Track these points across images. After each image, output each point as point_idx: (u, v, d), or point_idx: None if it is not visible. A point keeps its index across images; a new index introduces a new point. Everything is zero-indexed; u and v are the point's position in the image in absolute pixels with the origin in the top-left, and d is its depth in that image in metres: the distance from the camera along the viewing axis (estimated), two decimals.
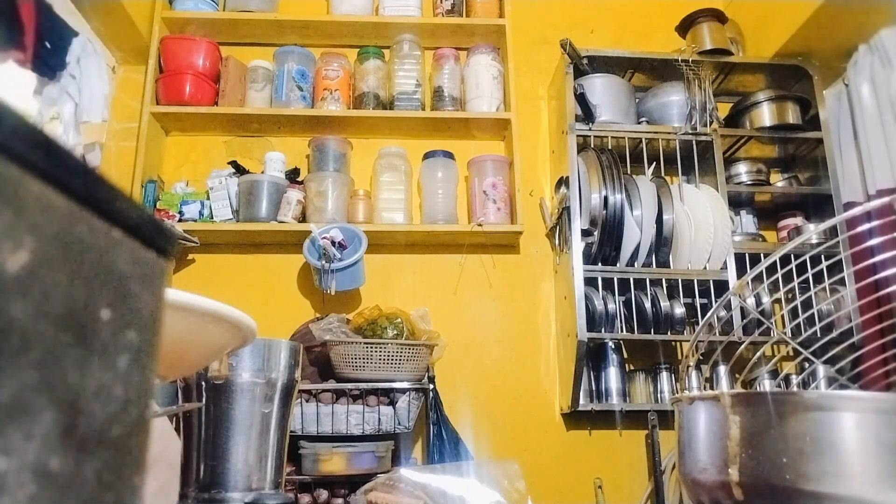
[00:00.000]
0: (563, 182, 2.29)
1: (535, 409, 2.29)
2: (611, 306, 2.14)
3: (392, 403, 1.93)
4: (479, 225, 2.25)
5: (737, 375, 2.19)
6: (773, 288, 2.21)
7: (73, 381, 0.14)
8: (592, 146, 2.27)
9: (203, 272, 2.36)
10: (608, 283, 2.17)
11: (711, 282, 2.18)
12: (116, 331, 0.16)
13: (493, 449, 2.19)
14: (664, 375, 2.25)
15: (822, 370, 1.86)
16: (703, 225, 2.19)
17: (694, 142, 2.30)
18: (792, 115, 2.36)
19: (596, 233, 2.16)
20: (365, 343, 1.92)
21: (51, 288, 0.14)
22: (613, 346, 2.25)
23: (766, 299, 2.21)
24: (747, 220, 2.44)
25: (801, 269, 1.86)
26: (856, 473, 0.33)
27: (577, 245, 2.15)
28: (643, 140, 2.32)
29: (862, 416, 0.34)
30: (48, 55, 2.02)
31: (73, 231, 0.15)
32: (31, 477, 0.13)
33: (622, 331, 2.18)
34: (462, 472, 0.49)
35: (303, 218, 2.28)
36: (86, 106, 2.20)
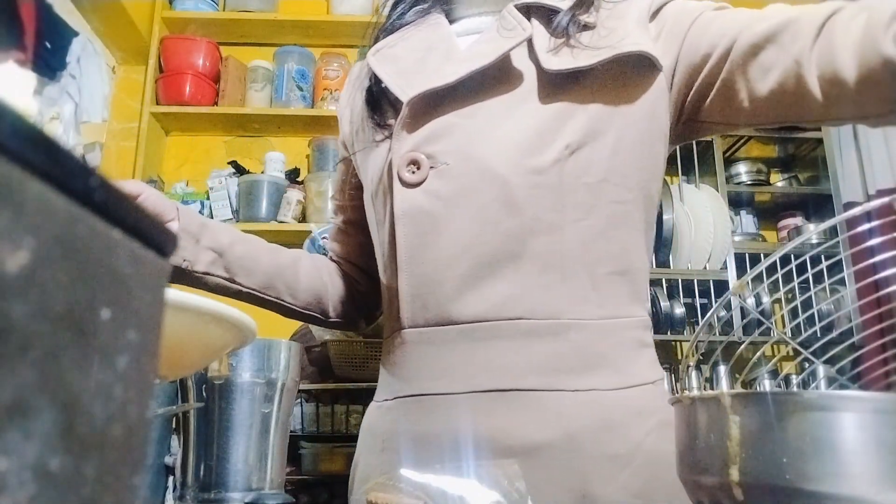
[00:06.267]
0: None
1: None
2: None
3: None
4: None
5: (737, 375, 2.19)
6: (773, 288, 2.20)
7: (73, 381, 0.14)
8: None
9: None
10: None
11: (711, 282, 2.18)
12: (116, 331, 0.16)
13: None
14: (664, 375, 2.25)
15: (822, 370, 1.85)
16: (703, 225, 2.19)
17: (694, 141, 2.30)
18: None
19: None
20: (365, 343, 1.91)
21: (51, 288, 0.14)
22: None
23: (766, 299, 2.21)
24: (747, 220, 2.44)
25: (801, 269, 1.85)
26: (856, 473, 0.33)
27: None
28: None
29: (862, 416, 0.34)
30: (48, 55, 2.02)
31: (73, 231, 0.15)
32: (31, 477, 0.13)
33: None
34: (462, 472, 0.49)
35: (303, 218, 2.28)
36: (86, 106, 2.20)
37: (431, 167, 0.68)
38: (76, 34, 2.15)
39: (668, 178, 2.30)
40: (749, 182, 2.42)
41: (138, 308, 0.17)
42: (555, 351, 0.65)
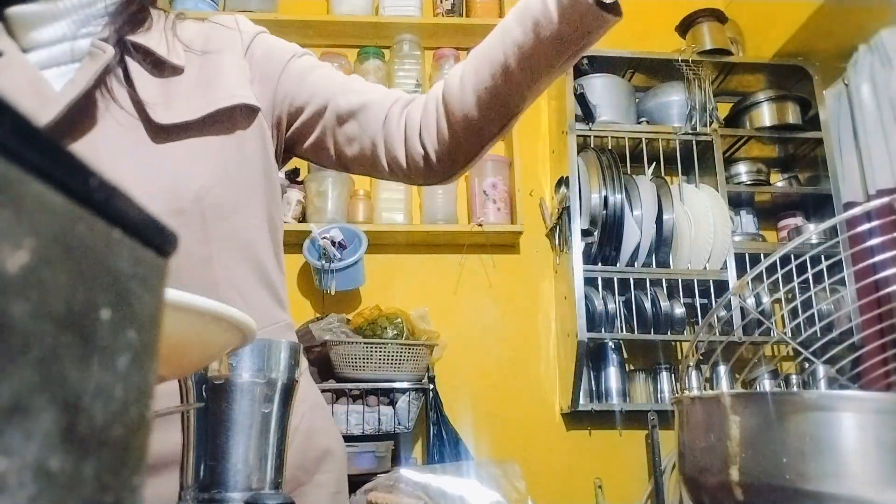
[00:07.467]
0: (562, 182, 2.29)
1: (535, 409, 2.29)
2: (611, 306, 2.14)
3: (392, 403, 1.93)
4: (479, 225, 2.25)
5: (737, 375, 2.19)
6: (773, 288, 2.21)
7: (73, 381, 0.14)
8: (592, 146, 2.27)
9: None
10: (608, 283, 2.17)
11: (711, 282, 2.18)
12: (116, 331, 0.16)
13: (493, 449, 2.19)
14: (664, 375, 2.25)
15: (822, 370, 1.85)
16: (703, 225, 2.19)
17: (694, 142, 2.30)
18: (792, 115, 2.35)
19: (596, 233, 2.15)
20: (365, 343, 1.91)
21: (51, 288, 0.14)
22: (613, 346, 2.25)
23: (766, 299, 2.21)
24: (747, 220, 2.44)
25: (801, 269, 1.86)
26: (856, 473, 0.33)
27: (577, 245, 2.15)
28: (643, 140, 2.32)
29: (862, 416, 0.34)
30: None
31: (73, 231, 0.15)
32: (31, 477, 0.13)
33: (622, 331, 2.17)
34: (462, 472, 0.49)
35: (303, 218, 2.28)
36: None
37: None
38: None
39: (668, 179, 2.31)
40: (749, 182, 2.42)
41: (138, 308, 0.17)
42: None
